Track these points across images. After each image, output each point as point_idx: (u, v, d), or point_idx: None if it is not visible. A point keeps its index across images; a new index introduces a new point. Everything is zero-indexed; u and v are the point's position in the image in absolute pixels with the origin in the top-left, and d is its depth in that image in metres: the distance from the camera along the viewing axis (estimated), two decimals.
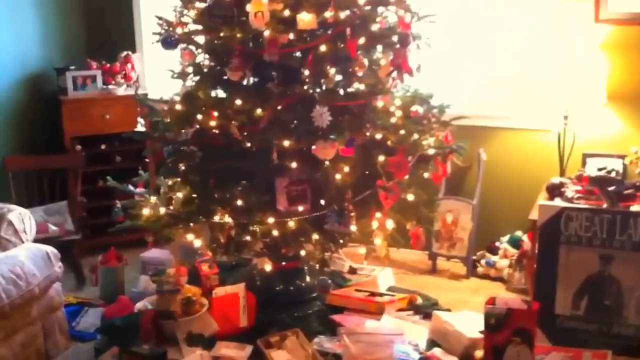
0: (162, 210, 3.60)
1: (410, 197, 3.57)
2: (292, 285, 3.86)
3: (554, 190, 3.73)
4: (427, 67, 3.70)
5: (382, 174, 3.39)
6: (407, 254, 4.44)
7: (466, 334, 3.34)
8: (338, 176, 3.33)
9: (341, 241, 3.63)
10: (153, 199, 3.72)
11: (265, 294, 3.73)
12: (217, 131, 3.40)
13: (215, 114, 3.39)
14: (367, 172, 3.48)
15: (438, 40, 3.79)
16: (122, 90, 5.10)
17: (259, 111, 3.32)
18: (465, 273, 4.43)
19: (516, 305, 3.32)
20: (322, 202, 3.44)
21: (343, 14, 3.30)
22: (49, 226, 4.40)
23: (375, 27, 3.45)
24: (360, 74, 3.44)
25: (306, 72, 3.36)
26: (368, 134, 3.45)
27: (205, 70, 3.61)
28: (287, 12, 3.28)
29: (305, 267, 3.87)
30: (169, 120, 3.61)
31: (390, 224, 3.48)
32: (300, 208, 3.38)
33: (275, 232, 3.35)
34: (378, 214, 3.45)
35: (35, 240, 3.63)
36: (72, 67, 5.05)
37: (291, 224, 3.35)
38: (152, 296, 3.77)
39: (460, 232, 4.45)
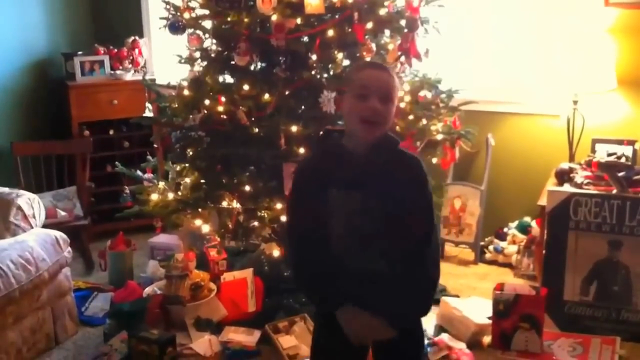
0: (171, 195, 3.61)
1: None
2: None
3: (563, 176, 3.71)
4: (435, 52, 3.68)
5: None
6: None
7: (474, 319, 3.34)
8: None
9: None
10: (161, 184, 3.73)
11: (273, 280, 3.74)
12: (224, 117, 3.40)
13: (223, 99, 3.38)
14: None
15: (446, 25, 3.77)
16: (129, 76, 5.10)
17: (266, 96, 3.31)
18: (473, 259, 4.43)
19: (524, 291, 3.33)
20: None
21: None
22: (58, 211, 4.42)
23: (382, 12, 3.43)
24: (368, 58, 3.42)
25: (314, 57, 3.35)
26: None
27: (212, 55, 3.60)
28: None
29: None
30: (176, 105, 3.61)
31: None
32: None
33: (282, 218, 3.35)
34: None
35: (44, 226, 3.65)
36: (80, 53, 5.05)
37: None
38: (160, 281, 3.79)
39: (468, 218, 4.44)
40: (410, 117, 3.51)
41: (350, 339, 2.12)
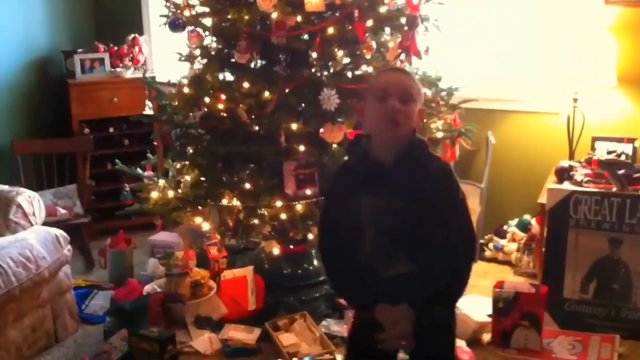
0: (171, 193, 3.61)
1: None
2: (300, 268, 3.86)
3: (563, 174, 3.71)
4: (435, 50, 3.68)
5: None
6: None
7: (474, 317, 3.35)
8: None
9: None
10: (161, 182, 3.72)
11: (273, 277, 3.74)
12: (224, 114, 3.40)
13: (223, 97, 3.38)
14: None
15: (446, 23, 3.76)
16: (129, 73, 5.10)
17: (266, 94, 3.31)
18: None
19: (524, 289, 3.33)
20: None
21: None
22: (58, 209, 4.42)
23: (383, 9, 3.42)
24: (368, 56, 3.42)
25: (314, 55, 3.35)
26: None
27: (212, 52, 3.60)
28: None
29: (313, 251, 3.87)
30: (176, 103, 3.61)
31: None
32: (308, 191, 3.37)
33: (283, 216, 3.35)
34: None
35: (45, 224, 3.65)
36: (80, 50, 5.05)
37: (299, 207, 3.35)
38: (160, 279, 3.79)
39: None
40: None
41: (388, 335, 2.15)
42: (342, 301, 3.57)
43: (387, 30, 3.58)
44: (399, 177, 2.15)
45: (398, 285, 2.18)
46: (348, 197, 2.21)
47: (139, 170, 4.00)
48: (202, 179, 3.56)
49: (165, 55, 4.87)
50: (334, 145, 3.32)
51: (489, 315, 3.36)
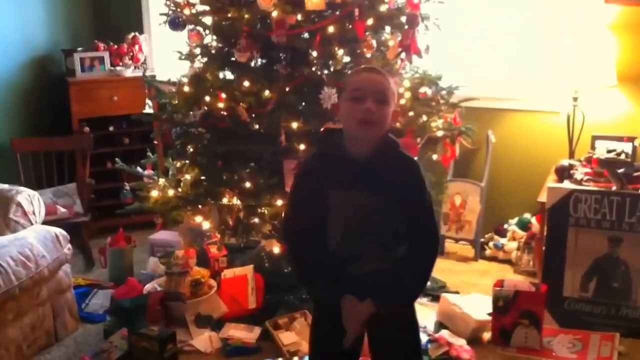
0: (171, 192, 3.61)
1: None
2: None
3: (563, 173, 3.72)
4: (435, 49, 3.68)
5: None
6: None
7: (474, 316, 3.35)
8: None
9: None
10: (161, 181, 3.72)
11: (273, 276, 3.74)
12: (225, 113, 3.39)
13: (223, 95, 3.38)
14: None
15: (447, 21, 3.76)
16: (129, 72, 5.10)
17: (266, 93, 3.31)
18: (473, 255, 4.43)
19: (524, 287, 3.33)
20: None
21: None
22: (58, 208, 4.42)
23: (383, 8, 3.42)
24: (368, 55, 3.42)
25: (314, 54, 3.35)
26: None
27: (212, 51, 3.59)
28: None
29: None
30: (176, 102, 3.60)
31: None
32: None
33: (283, 215, 3.34)
34: None
35: (44, 222, 3.64)
36: (80, 49, 5.04)
37: None
38: (160, 278, 3.79)
39: (468, 215, 4.44)
40: (411, 113, 3.52)
41: (345, 325, 2.18)
42: None
43: (388, 28, 3.58)
44: (369, 173, 2.15)
45: (365, 282, 2.18)
46: (316, 192, 2.20)
47: (139, 169, 4.00)
48: (202, 177, 3.56)
49: (165, 54, 4.87)
50: None
51: (489, 314, 3.36)
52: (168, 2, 3.57)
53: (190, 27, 3.57)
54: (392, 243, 2.20)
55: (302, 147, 3.30)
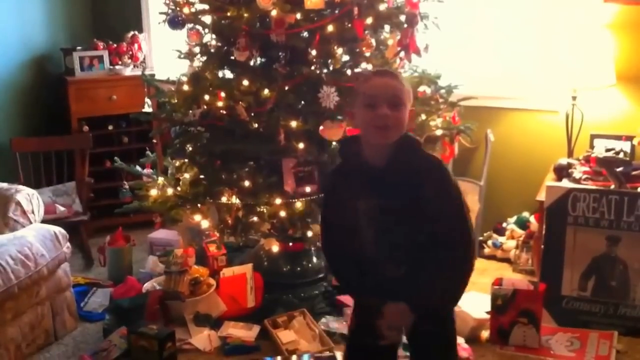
0: (170, 191, 3.61)
1: None
2: (299, 266, 3.87)
3: (562, 171, 3.72)
4: (434, 47, 3.68)
5: None
6: None
7: (472, 314, 3.35)
8: None
9: None
10: (160, 180, 3.73)
11: (272, 275, 3.75)
12: (224, 112, 3.40)
13: (222, 94, 3.38)
14: None
15: (446, 20, 3.77)
16: (129, 71, 5.10)
17: (265, 92, 3.31)
18: None
19: (522, 286, 3.33)
20: None
21: None
22: (57, 207, 4.42)
23: (382, 7, 3.43)
24: (367, 54, 3.43)
25: (313, 53, 3.35)
26: None
27: (212, 50, 3.60)
28: None
29: (312, 248, 3.88)
30: (175, 101, 3.61)
31: None
32: (307, 189, 3.38)
33: (282, 213, 3.35)
34: None
35: (43, 221, 3.65)
36: (79, 48, 5.04)
37: (298, 205, 3.35)
38: (159, 277, 3.79)
39: None
40: None
41: (383, 330, 2.17)
42: (342, 298, 3.59)
43: (387, 27, 3.58)
44: (392, 178, 2.14)
45: (398, 286, 2.17)
46: (345, 202, 2.21)
47: (138, 168, 4.00)
48: (201, 176, 3.56)
49: (164, 53, 4.86)
50: (333, 143, 3.33)
51: (488, 313, 3.36)
52: (167, 1, 3.58)
53: (190, 26, 3.58)
54: (423, 247, 2.14)
55: (301, 145, 3.31)
